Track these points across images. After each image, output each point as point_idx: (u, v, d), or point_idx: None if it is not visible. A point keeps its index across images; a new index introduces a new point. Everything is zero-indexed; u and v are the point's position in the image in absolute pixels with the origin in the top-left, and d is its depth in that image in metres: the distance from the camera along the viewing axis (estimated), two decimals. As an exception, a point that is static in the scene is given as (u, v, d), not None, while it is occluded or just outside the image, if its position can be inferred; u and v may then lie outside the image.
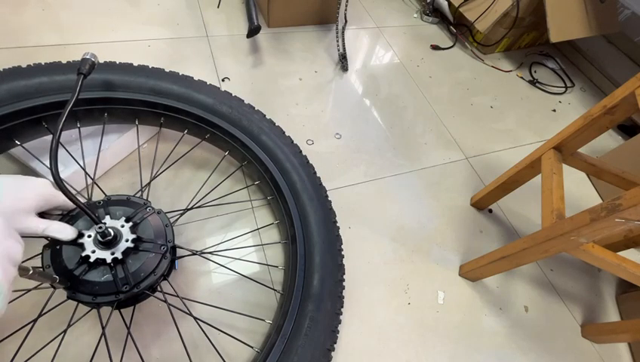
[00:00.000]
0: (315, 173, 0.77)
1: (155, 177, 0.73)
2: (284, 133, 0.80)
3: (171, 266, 0.61)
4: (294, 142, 0.80)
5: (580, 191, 1.13)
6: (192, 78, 0.78)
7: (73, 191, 0.50)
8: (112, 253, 0.50)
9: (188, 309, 0.62)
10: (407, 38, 1.44)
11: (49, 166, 0.46)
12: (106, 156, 0.79)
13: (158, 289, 0.59)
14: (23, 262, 0.38)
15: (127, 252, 0.51)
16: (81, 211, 0.47)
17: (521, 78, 1.43)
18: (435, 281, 0.83)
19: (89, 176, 0.67)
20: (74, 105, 0.53)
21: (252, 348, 0.63)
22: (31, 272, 0.39)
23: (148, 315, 0.66)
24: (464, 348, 0.76)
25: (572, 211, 0.59)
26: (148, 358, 0.62)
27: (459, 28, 1.48)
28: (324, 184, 0.77)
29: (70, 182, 0.69)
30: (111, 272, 0.50)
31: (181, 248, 0.71)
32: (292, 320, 0.60)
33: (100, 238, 0.49)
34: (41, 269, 0.48)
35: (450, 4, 1.45)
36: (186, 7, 1.24)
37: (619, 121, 0.67)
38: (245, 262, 0.76)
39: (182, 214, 0.70)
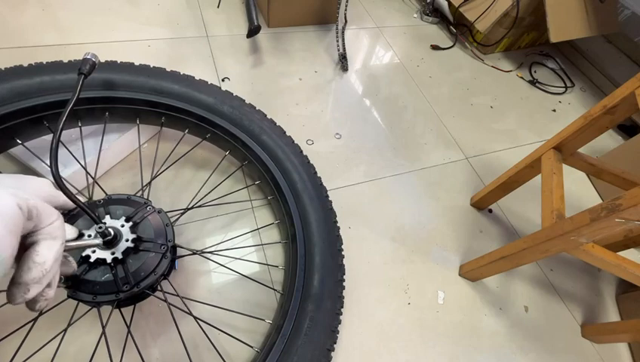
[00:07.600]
0: (315, 172, 0.77)
1: (155, 177, 0.73)
2: (284, 132, 0.80)
3: (171, 266, 0.61)
4: (295, 142, 0.80)
5: (579, 191, 1.13)
6: (193, 77, 0.78)
7: (74, 191, 0.50)
8: (112, 253, 0.50)
9: (188, 309, 0.62)
10: (407, 38, 1.44)
11: (49, 165, 0.46)
12: (107, 155, 0.79)
13: (159, 288, 0.59)
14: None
15: (127, 251, 0.51)
16: (82, 211, 0.47)
17: (521, 78, 1.43)
18: (435, 281, 0.83)
19: (90, 175, 0.67)
20: (75, 104, 0.53)
21: (252, 347, 0.63)
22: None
23: (148, 315, 0.66)
24: (464, 348, 0.76)
25: (572, 211, 0.59)
26: (148, 358, 0.62)
27: (459, 28, 1.48)
28: (324, 184, 0.77)
29: (71, 181, 0.70)
30: (111, 272, 0.50)
31: (181, 248, 0.71)
32: (292, 320, 0.60)
33: (100, 238, 0.49)
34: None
35: (450, 4, 1.45)
36: (186, 7, 1.24)
37: (619, 121, 0.67)
38: (245, 262, 0.76)
39: (182, 214, 0.70)
